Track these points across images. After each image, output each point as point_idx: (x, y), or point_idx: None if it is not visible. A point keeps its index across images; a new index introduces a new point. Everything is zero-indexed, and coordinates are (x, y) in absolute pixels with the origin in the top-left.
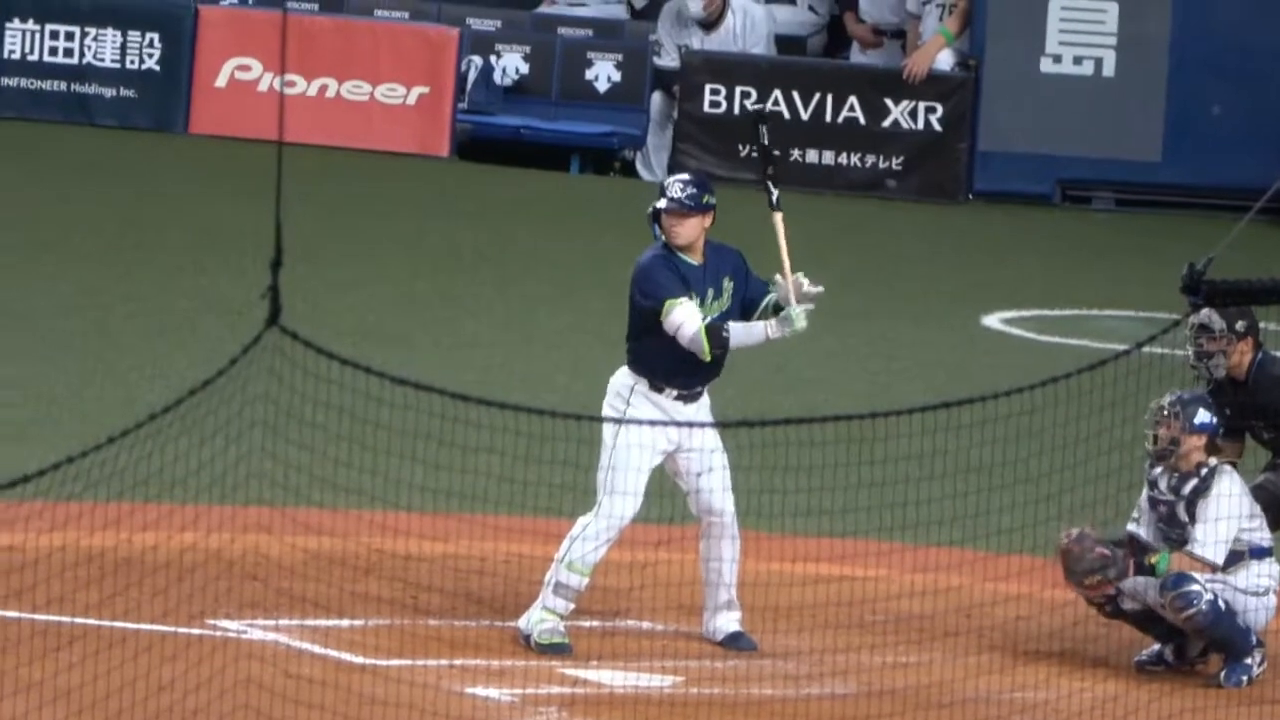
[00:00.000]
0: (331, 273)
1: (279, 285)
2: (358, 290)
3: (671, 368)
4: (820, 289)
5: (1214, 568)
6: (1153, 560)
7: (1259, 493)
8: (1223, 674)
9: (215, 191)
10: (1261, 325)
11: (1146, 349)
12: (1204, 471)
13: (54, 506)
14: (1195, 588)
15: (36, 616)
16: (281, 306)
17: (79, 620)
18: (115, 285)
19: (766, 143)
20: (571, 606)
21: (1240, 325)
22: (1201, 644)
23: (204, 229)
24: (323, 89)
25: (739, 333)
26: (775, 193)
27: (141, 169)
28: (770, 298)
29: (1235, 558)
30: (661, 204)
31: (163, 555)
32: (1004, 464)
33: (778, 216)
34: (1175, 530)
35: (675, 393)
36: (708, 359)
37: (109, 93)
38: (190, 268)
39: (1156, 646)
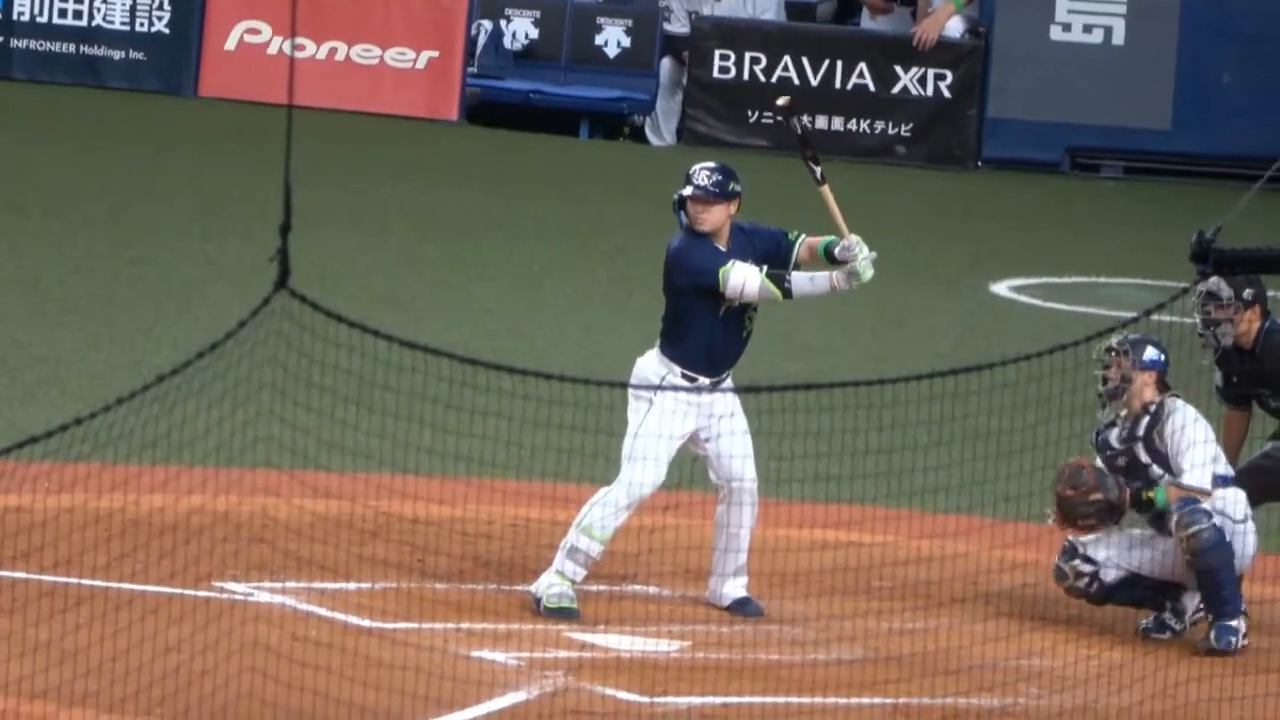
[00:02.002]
0: (340, 237)
1: (288, 249)
2: (366, 254)
3: (708, 351)
4: (875, 254)
5: (1206, 494)
6: (1150, 494)
7: (1265, 461)
8: (1212, 634)
9: (224, 155)
10: (1270, 294)
11: (1154, 317)
12: (1153, 408)
13: (62, 468)
14: (1204, 507)
15: (44, 577)
16: (290, 270)
17: (86, 582)
18: (123, 248)
19: (800, 132)
20: (584, 572)
21: (1248, 294)
22: (1197, 597)
23: (212, 192)
24: (332, 52)
25: (801, 282)
26: (818, 169)
27: (150, 132)
28: (825, 242)
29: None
30: (687, 191)
31: (170, 517)
32: (1011, 431)
33: (824, 189)
34: (1138, 479)
35: (707, 382)
36: (782, 302)
37: (118, 55)
38: (198, 231)
39: (1154, 615)
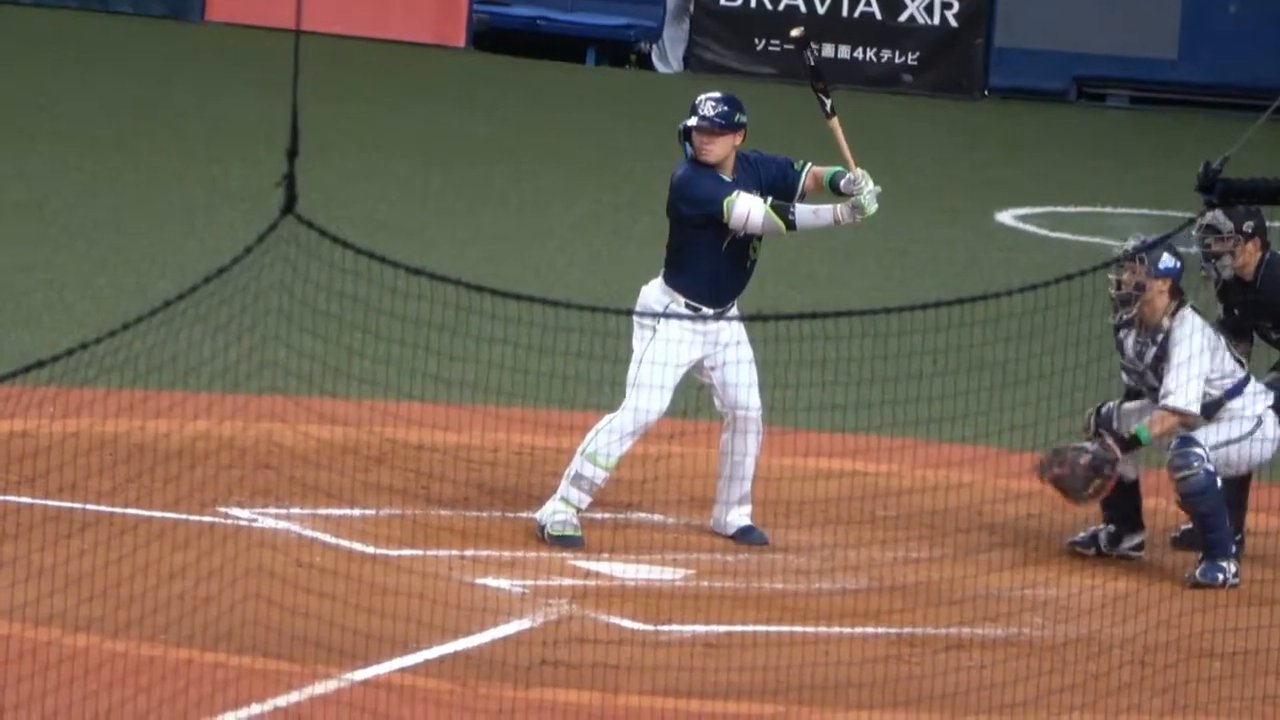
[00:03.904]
0: (346, 163)
1: (294, 174)
2: (372, 180)
3: (711, 282)
4: (879, 188)
5: (1191, 416)
6: (1132, 432)
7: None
8: (1199, 570)
9: (231, 80)
10: (1273, 225)
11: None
12: (1160, 337)
13: (67, 393)
14: (1197, 450)
15: (48, 502)
16: (297, 195)
17: (90, 507)
18: (129, 173)
19: (813, 64)
20: (589, 500)
21: (1247, 226)
22: (1139, 537)
23: (219, 118)
24: None
25: (805, 215)
26: (829, 102)
27: (157, 57)
28: (831, 172)
29: (1214, 408)
30: (692, 122)
31: (175, 443)
32: (1016, 361)
33: (834, 122)
34: (1151, 393)
35: (711, 312)
36: (785, 234)
37: None
38: (205, 156)
39: (1093, 528)
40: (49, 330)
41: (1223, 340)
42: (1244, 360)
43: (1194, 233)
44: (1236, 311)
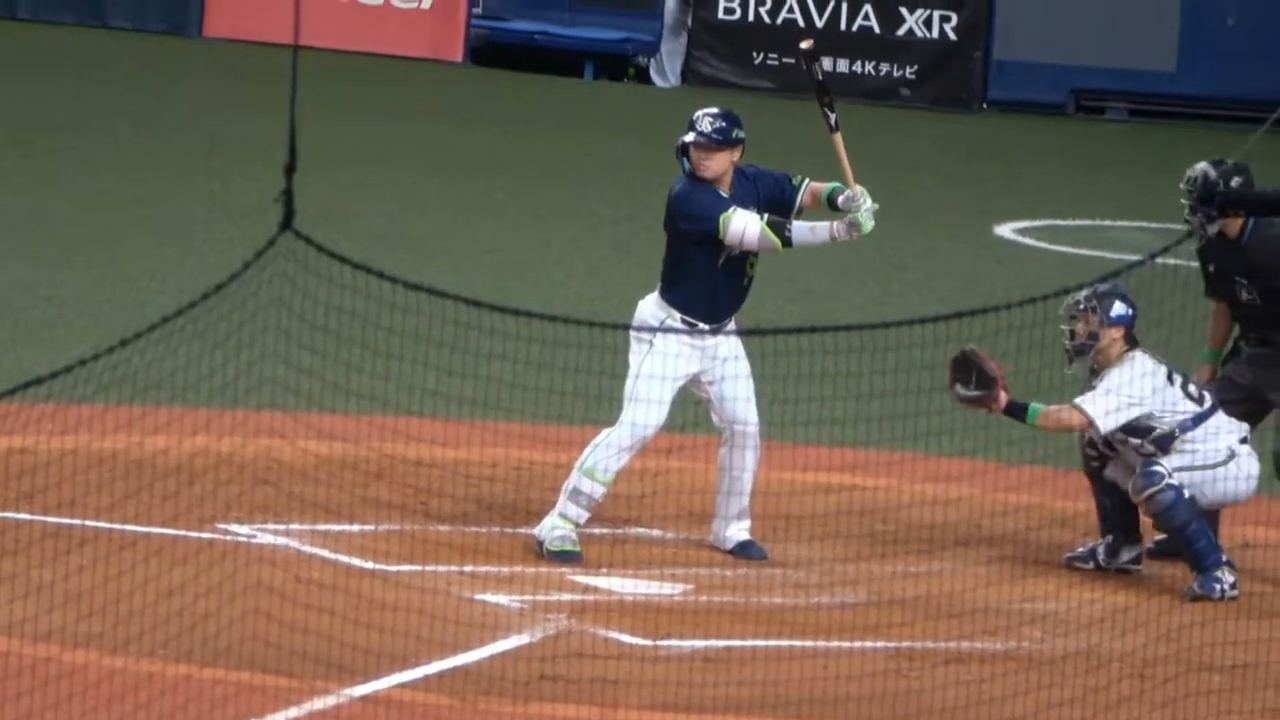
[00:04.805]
0: (345, 178)
1: (293, 190)
2: (371, 195)
3: (707, 298)
4: (877, 206)
5: (1089, 423)
6: (1026, 403)
7: (1224, 385)
8: (1196, 583)
9: (228, 95)
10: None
11: (1159, 260)
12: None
13: (65, 409)
14: (1159, 469)
15: (47, 519)
16: (295, 211)
17: (90, 523)
18: (127, 189)
19: (820, 78)
20: (587, 515)
21: (1236, 183)
22: (1137, 550)
23: (217, 133)
24: None
25: (802, 231)
26: (834, 116)
27: (155, 72)
28: (829, 189)
29: (1168, 440)
30: (690, 138)
31: (174, 459)
32: (1015, 375)
33: (837, 137)
34: (1113, 451)
35: (707, 327)
36: (782, 251)
37: None
38: (203, 172)
39: (1090, 544)
40: (48, 347)
41: (1178, 379)
42: (1202, 397)
43: (1182, 186)
44: (1211, 268)
